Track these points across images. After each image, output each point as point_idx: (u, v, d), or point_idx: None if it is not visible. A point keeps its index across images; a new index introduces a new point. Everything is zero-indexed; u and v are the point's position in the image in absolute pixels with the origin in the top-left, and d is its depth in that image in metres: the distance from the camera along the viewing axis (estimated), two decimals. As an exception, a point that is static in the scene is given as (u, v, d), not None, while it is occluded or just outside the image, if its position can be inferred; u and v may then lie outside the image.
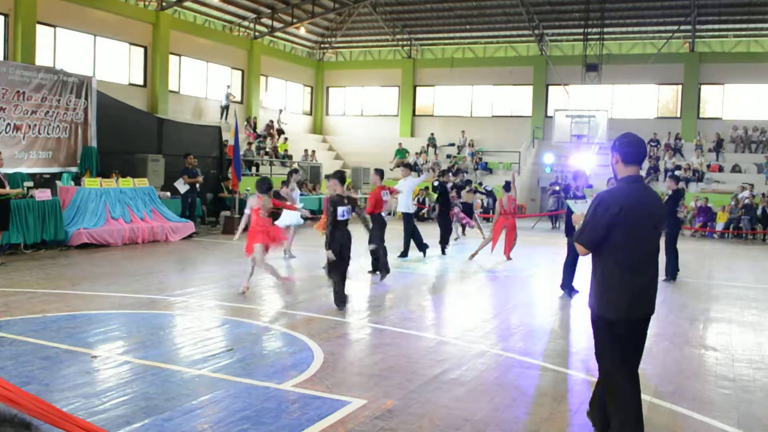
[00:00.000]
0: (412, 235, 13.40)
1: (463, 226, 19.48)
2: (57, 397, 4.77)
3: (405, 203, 13.57)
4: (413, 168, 28.81)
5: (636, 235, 3.97)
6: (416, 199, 24.71)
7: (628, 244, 3.96)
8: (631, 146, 4.05)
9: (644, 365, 6.27)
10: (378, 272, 10.75)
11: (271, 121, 29.20)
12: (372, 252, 10.90)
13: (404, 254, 13.26)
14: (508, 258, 13.78)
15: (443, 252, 14.34)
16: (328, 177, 8.47)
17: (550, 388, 5.55)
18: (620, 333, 4.03)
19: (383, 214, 11.52)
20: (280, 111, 29.94)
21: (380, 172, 11.86)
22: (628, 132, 4.26)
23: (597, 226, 3.98)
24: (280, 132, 28.91)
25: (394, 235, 13.00)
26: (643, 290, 4.03)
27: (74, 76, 15.36)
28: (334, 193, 8.18)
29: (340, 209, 7.99)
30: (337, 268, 8.10)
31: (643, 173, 25.78)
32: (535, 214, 24.94)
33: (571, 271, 9.94)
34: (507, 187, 14.36)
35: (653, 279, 4.09)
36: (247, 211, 9.01)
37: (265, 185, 8.99)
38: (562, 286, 10.01)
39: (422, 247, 13.52)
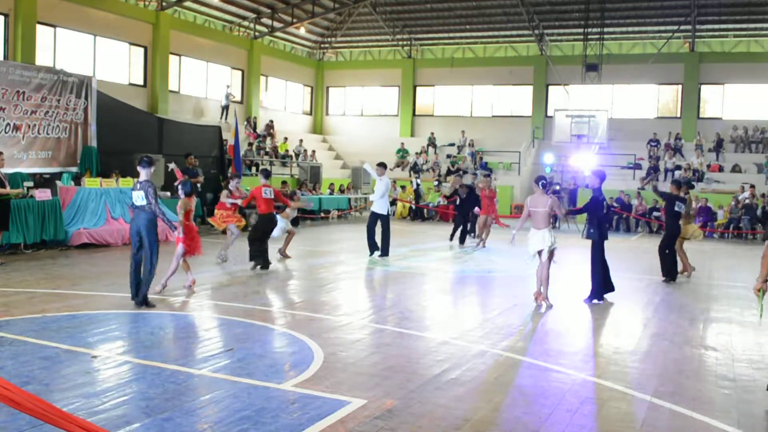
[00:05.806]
0: (379, 234, 13.16)
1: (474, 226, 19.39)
2: (57, 397, 4.77)
3: (379, 204, 13.18)
4: (414, 168, 29.04)
5: None
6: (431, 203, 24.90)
7: None
8: None
9: (644, 365, 6.31)
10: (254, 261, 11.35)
11: (271, 121, 29.20)
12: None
13: (384, 253, 13.17)
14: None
15: (462, 242, 16.31)
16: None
17: (550, 388, 5.54)
18: None
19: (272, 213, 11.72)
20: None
21: (264, 172, 12.08)
22: None
23: None
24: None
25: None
26: None
27: (74, 76, 15.35)
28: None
29: (134, 194, 8.22)
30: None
31: (642, 173, 25.86)
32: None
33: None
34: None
35: None
36: None
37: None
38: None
39: (373, 248, 13.31)
